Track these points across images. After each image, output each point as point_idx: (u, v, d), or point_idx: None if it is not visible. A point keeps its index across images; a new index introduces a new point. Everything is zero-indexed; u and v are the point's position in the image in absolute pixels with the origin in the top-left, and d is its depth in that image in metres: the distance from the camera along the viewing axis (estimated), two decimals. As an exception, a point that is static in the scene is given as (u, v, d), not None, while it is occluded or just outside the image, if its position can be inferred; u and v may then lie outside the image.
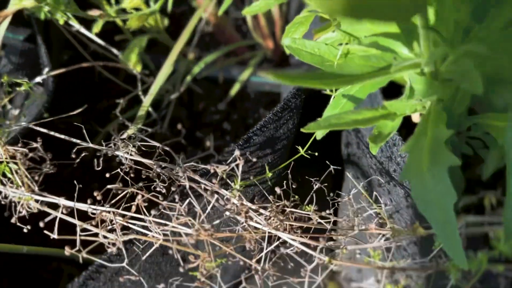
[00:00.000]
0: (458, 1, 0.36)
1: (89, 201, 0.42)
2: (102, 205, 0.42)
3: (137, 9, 0.64)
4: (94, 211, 0.41)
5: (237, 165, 0.42)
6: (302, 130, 0.41)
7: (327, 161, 0.54)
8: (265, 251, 0.41)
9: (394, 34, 0.40)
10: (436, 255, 0.41)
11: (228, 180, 0.44)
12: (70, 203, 0.42)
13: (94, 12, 0.53)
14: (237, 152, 0.41)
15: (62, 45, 0.74)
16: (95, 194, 0.40)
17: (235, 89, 0.75)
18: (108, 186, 0.43)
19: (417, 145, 0.39)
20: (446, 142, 0.37)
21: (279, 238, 0.44)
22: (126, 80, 0.69)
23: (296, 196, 0.45)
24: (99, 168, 0.49)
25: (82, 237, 0.40)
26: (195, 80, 0.75)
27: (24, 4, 0.47)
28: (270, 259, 0.45)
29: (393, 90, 0.49)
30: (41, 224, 0.42)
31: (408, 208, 0.47)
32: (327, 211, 0.44)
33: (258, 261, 0.43)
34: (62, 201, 0.42)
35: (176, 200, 0.41)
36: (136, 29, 0.64)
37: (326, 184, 0.48)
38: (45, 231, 0.41)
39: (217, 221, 0.42)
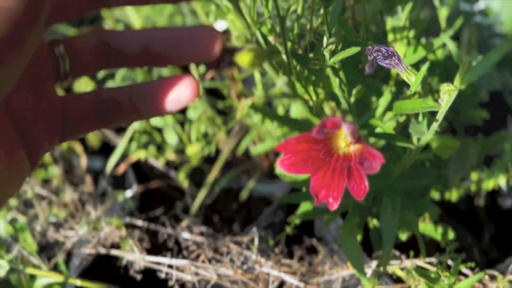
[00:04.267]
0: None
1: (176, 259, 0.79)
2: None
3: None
4: (181, 263, 0.78)
5: (254, 238, 0.80)
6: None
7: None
8: (270, 285, 0.78)
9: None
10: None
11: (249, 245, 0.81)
12: (169, 260, 0.78)
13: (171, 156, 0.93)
14: (254, 230, 0.79)
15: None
16: (184, 252, 0.78)
17: (245, 194, 1.14)
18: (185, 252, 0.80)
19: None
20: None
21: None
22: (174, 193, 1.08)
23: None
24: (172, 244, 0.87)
25: (176, 277, 0.76)
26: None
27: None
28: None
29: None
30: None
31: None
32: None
33: (267, 290, 0.79)
34: (164, 259, 0.78)
35: (223, 255, 0.78)
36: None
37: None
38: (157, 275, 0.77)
39: (245, 267, 0.78)
